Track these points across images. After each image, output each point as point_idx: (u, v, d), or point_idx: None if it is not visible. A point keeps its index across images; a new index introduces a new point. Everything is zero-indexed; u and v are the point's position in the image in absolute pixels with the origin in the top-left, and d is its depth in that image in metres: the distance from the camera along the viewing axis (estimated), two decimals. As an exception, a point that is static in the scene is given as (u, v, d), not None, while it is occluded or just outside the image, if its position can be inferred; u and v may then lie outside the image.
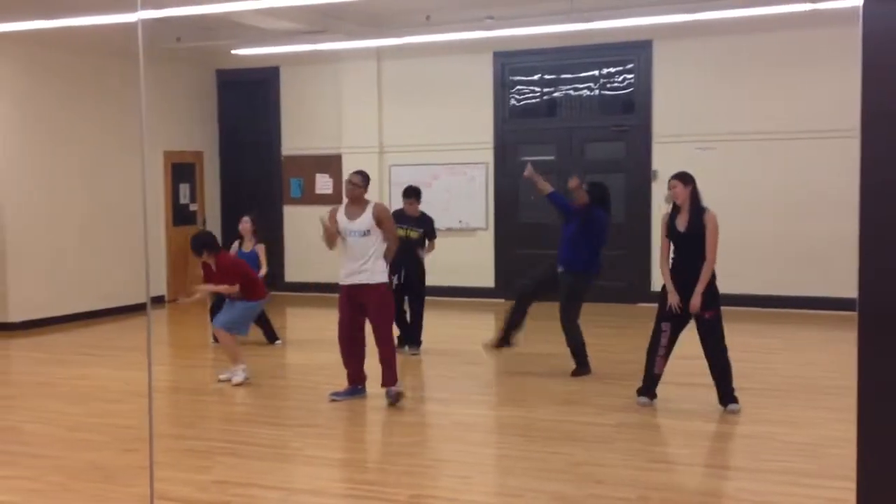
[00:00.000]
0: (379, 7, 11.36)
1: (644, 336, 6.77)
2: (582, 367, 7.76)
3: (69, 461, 5.67)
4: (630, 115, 11.90)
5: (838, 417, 6.12)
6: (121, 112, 11.69)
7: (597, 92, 12.07)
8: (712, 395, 6.57)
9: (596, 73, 12.02)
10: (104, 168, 11.72)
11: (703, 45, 11.34)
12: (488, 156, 12.51)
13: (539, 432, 6.16)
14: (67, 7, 9.22)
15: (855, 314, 2.28)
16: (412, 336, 8.87)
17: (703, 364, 6.60)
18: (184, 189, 13.39)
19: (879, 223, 2.23)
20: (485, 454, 5.93)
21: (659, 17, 10.41)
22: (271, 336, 9.44)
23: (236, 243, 9.32)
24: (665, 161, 11.27)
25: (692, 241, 6.43)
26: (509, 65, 12.39)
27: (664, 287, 6.60)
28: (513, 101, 12.48)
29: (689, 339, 6.62)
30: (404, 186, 9.20)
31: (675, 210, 6.55)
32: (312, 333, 10.63)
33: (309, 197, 13.48)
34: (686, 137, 11.33)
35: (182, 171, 13.33)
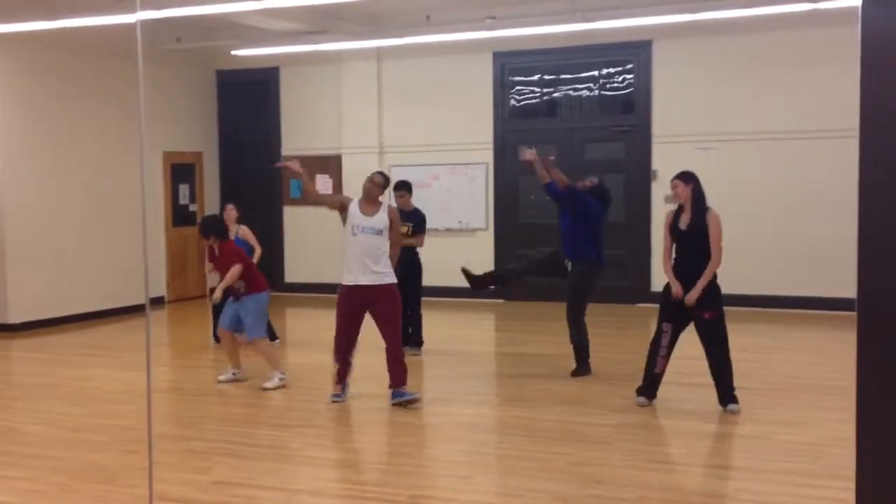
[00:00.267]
0: (379, 7, 11.37)
1: (644, 336, 6.78)
2: (582, 367, 7.76)
3: (70, 462, 5.67)
4: (630, 115, 11.90)
5: (838, 417, 6.13)
6: (121, 113, 11.70)
7: (597, 92, 12.07)
8: (712, 395, 6.57)
9: (596, 73, 12.03)
10: (104, 169, 11.73)
11: (702, 46, 11.35)
12: (488, 156, 12.52)
13: (539, 432, 6.16)
14: (67, 7, 9.23)
15: (854, 314, 2.28)
16: (412, 336, 8.87)
17: (704, 364, 6.60)
18: (183, 189, 13.40)
19: (878, 223, 2.23)
20: (485, 454, 5.93)
21: (659, 17, 10.42)
22: (271, 335, 9.43)
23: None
24: (665, 161, 11.28)
25: (694, 239, 6.43)
26: (509, 65, 12.40)
27: (666, 287, 6.60)
28: (513, 102, 12.48)
29: (690, 338, 6.63)
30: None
31: (679, 209, 6.56)
32: (312, 334, 10.63)
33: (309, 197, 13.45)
34: (686, 137, 11.34)
35: (182, 171, 13.33)
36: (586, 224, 7.70)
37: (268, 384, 7.51)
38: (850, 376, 2.31)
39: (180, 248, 13.23)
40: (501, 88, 12.42)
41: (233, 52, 12.46)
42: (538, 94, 12.38)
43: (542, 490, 4.98)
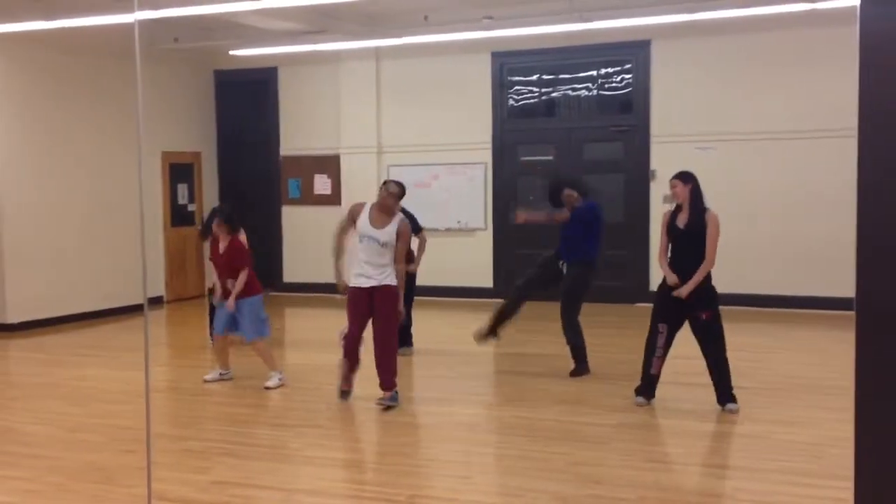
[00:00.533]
0: (377, 7, 11.36)
1: (643, 336, 6.77)
2: (581, 366, 7.77)
3: (68, 462, 5.67)
4: (628, 115, 11.90)
5: (837, 417, 6.13)
6: (119, 113, 11.69)
7: (595, 92, 12.07)
8: (711, 394, 6.57)
9: (594, 73, 12.03)
10: (102, 169, 11.72)
11: (701, 45, 11.35)
12: (487, 156, 12.51)
13: (538, 432, 6.16)
14: (65, 7, 9.23)
15: (853, 314, 2.28)
16: (402, 336, 8.87)
17: (702, 364, 6.60)
18: (182, 189, 13.39)
19: (877, 223, 2.23)
20: (484, 454, 5.93)
21: (657, 17, 10.42)
22: None
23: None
24: (663, 161, 11.28)
25: (691, 238, 6.44)
26: (508, 65, 12.40)
27: (660, 287, 6.61)
28: (511, 102, 12.48)
29: (688, 338, 6.63)
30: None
31: (678, 208, 6.57)
32: (311, 334, 10.63)
33: (307, 197, 13.47)
34: (684, 137, 11.34)
35: (180, 171, 13.32)
36: (594, 227, 7.73)
37: (269, 383, 7.52)
38: (849, 376, 2.31)
39: (179, 247, 13.22)
40: (500, 88, 12.42)
41: (231, 52, 12.45)
42: (537, 94, 12.38)
43: (541, 490, 4.98)
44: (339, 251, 6.98)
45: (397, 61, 12.76)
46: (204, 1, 9.01)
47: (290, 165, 13.63)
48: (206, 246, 8.32)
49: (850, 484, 2.31)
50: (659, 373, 6.67)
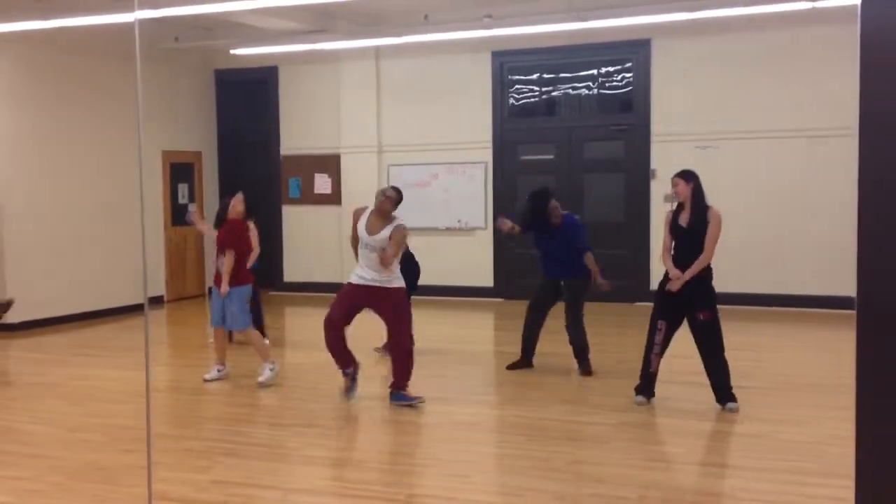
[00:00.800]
0: (377, 6, 11.36)
1: (643, 336, 6.77)
2: (589, 365, 7.78)
3: (68, 461, 5.66)
4: (629, 113, 11.90)
5: (838, 416, 6.12)
6: (119, 112, 11.69)
7: (595, 91, 12.07)
8: (711, 394, 6.57)
9: (594, 72, 12.03)
10: (103, 168, 11.72)
11: (701, 44, 11.35)
12: (487, 155, 12.51)
13: (539, 431, 6.16)
14: (65, 7, 9.22)
15: (854, 313, 2.27)
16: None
17: (701, 363, 6.60)
18: (182, 189, 13.39)
19: (878, 222, 2.23)
20: (484, 453, 5.93)
21: (657, 15, 10.42)
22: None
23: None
24: (664, 160, 11.28)
25: (694, 237, 6.44)
26: (508, 64, 12.40)
27: (660, 285, 6.61)
28: (511, 101, 12.48)
29: (688, 337, 6.62)
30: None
31: (680, 207, 6.57)
32: (311, 333, 10.59)
33: (308, 197, 13.48)
34: (685, 136, 11.34)
35: (181, 170, 13.33)
36: (570, 237, 7.76)
37: (262, 378, 7.52)
38: (849, 374, 2.30)
39: (179, 247, 13.23)
40: (500, 87, 12.41)
41: (231, 52, 12.45)
42: (537, 93, 12.38)
43: (541, 489, 4.98)
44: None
45: (397, 61, 12.75)
46: (204, 0, 9.01)
47: (290, 165, 13.63)
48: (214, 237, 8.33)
49: (851, 483, 2.30)
50: (657, 370, 6.67)
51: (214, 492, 5.05)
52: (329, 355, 6.93)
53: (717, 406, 6.51)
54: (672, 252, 6.60)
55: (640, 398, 6.71)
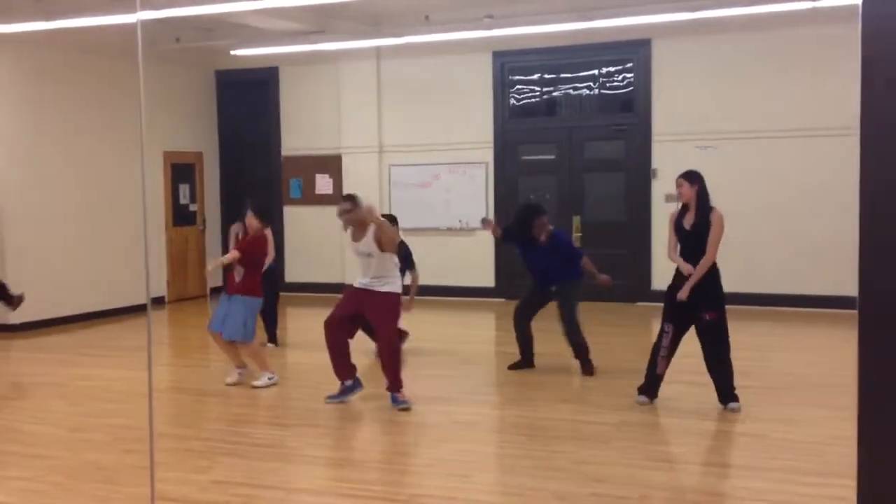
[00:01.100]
0: (378, 7, 11.35)
1: (644, 335, 6.79)
2: (590, 364, 7.78)
3: (70, 461, 5.67)
4: (629, 113, 11.90)
5: (840, 416, 6.11)
6: (120, 113, 11.69)
7: (596, 91, 12.07)
8: (713, 393, 6.56)
9: (595, 72, 12.02)
10: (104, 169, 11.73)
11: (702, 44, 11.34)
12: (488, 155, 12.51)
13: (540, 431, 6.16)
14: (67, 8, 9.22)
15: (855, 312, 2.27)
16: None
17: (704, 362, 6.59)
18: (184, 189, 13.39)
19: (878, 221, 2.23)
20: (485, 453, 5.93)
21: (658, 15, 10.41)
22: (272, 336, 9.43)
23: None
24: (665, 160, 11.28)
25: (698, 239, 6.42)
26: (509, 64, 12.39)
27: (669, 287, 6.59)
28: (512, 101, 12.48)
29: (690, 336, 6.62)
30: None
31: (684, 208, 6.55)
32: (312, 334, 10.59)
33: (309, 197, 13.48)
34: (686, 136, 11.33)
35: (182, 171, 13.33)
36: (561, 251, 7.78)
37: (257, 382, 7.52)
38: (851, 374, 2.30)
39: (180, 247, 13.23)
40: (501, 87, 12.41)
41: (232, 52, 12.44)
42: (538, 93, 12.38)
43: (542, 489, 4.98)
44: None
45: (398, 61, 12.75)
46: (205, 1, 9.01)
47: (291, 165, 13.63)
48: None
49: (853, 482, 2.31)
50: (664, 373, 6.66)
51: (215, 492, 5.05)
52: (326, 358, 6.93)
53: (719, 406, 6.51)
54: (677, 253, 6.59)
55: (643, 398, 6.71)
